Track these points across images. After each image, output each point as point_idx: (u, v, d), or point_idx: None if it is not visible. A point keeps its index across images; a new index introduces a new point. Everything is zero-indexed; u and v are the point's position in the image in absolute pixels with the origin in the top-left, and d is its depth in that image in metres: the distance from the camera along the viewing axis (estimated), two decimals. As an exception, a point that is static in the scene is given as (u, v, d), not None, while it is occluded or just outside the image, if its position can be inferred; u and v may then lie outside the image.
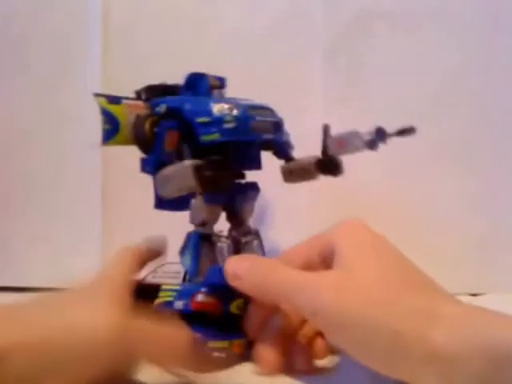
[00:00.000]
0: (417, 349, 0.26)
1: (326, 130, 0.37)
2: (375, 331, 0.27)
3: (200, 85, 0.38)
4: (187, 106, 0.36)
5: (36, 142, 0.56)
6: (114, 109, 0.34)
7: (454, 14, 0.54)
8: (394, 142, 0.53)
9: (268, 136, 0.37)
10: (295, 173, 0.40)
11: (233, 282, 0.32)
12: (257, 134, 0.36)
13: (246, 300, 0.34)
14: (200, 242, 0.36)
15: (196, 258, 0.36)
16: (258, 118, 0.36)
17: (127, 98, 0.36)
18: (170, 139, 0.34)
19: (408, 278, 0.30)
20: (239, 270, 0.32)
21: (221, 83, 0.38)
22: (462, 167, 0.54)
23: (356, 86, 0.54)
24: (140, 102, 0.37)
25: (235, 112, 0.35)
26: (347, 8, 0.54)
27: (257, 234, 0.39)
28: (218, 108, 0.35)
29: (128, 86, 0.54)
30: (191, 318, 0.33)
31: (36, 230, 0.56)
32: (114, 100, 0.34)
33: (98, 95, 0.34)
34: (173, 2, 0.55)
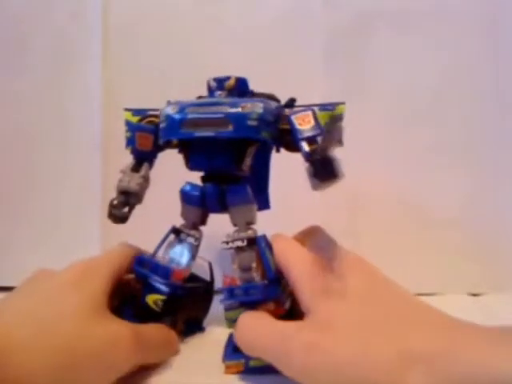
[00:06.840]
0: None
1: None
2: None
3: (208, 88, 0.39)
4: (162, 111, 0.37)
5: (36, 142, 0.56)
6: (137, 120, 0.39)
7: (454, 13, 0.54)
8: (394, 142, 0.53)
9: (206, 133, 0.34)
10: (310, 179, 0.33)
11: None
12: (189, 132, 0.34)
13: (172, 299, 0.37)
14: (170, 233, 0.39)
15: (159, 245, 0.39)
16: (192, 116, 0.34)
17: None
18: (139, 140, 0.38)
19: (378, 318, 0.29)
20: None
21: (219, 84, 0.38)
22: (463, 166, 0.54)
23: (356, 86, 0.54)
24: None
25: (171, 112, 0.35)
26: (347, 8, 0.54)
27: (251, 241, 0.35)
28: (164, 110, 0.37)
29: (128, 85, 0.55)
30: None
31: (36, 230, 0.56)
32: (140, 113, 0.40)
33: (126, 110, 0.39)
34: (173, 1, 0.56)
